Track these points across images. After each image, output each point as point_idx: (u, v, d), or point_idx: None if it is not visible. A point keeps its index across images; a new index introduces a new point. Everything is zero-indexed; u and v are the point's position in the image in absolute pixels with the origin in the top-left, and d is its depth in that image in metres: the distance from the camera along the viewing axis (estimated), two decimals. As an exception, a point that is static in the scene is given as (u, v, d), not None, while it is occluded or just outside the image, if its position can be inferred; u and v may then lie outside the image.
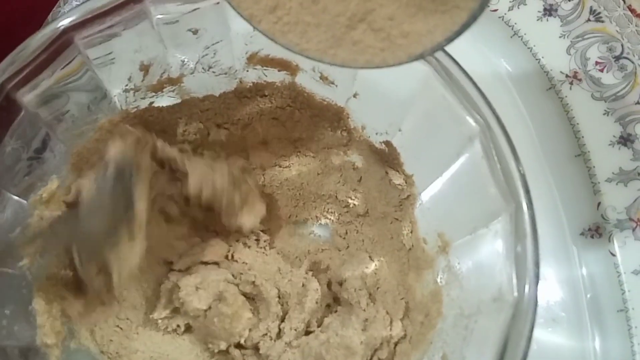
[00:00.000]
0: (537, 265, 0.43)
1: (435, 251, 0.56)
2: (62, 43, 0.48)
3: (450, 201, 0.54)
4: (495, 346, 0.43)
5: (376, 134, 0.59)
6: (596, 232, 0.65)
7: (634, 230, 0.63)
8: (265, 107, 0.61)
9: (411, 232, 0.59)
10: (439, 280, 0.55)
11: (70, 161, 0.55)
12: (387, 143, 0.58)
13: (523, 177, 0.44)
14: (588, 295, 0.64)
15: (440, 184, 0.54)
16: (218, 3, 0.51)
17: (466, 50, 0.67)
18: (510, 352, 0.42)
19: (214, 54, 0.56)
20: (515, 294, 0.43)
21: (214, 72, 0.58)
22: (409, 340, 0.56)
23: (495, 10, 0.69)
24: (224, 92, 0.59)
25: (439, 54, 0.48)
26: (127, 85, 0.55)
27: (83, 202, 0.51)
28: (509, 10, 0.69)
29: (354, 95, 0.57)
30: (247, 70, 0.58)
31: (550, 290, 0.64)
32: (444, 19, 0.35)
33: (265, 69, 0.58)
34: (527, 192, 0.44)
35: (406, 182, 0.59)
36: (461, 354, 0.49)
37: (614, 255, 0.64)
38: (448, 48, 0.48)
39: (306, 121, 0.62)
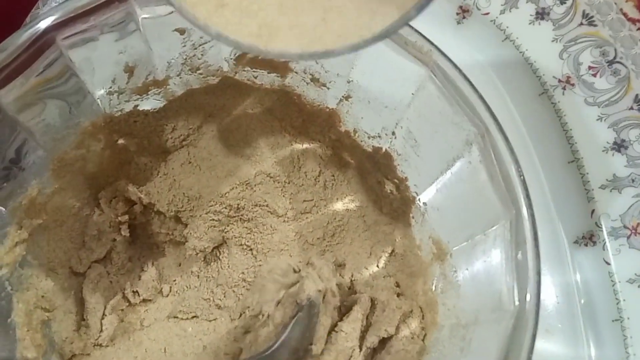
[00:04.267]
0: (538, 273, 0.42)
1: (430, 258, 0.54)
2: (43, 43, 0.46)
3: (447, 207, 0.53)
4: (494, 358, 0.42)
5: (368, 138, 0.57)
6: (590, 240, 0.64)
7: (628, 238, 0.62)
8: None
9: (405, 238, 0.57)
10: (433, 288, 0.53)
11: (51, 167, 0.53)
12: (378, 149, 0.57)
13: (523, 182, 0.43)
14: (582, 301, 0.63)
15: (436, 189, 0.53)
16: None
17: (457, 54, 0.66)
18: (512, 361, 0.40)
19: (202, 55, 0.54)
20: (517, 303, 0.42)
21: (201, 74, 0.56)
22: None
23: (487, 13, 0.68)
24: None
25: (437, 56, 0.46)
26: (110, 87, 0.53)
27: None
28: (500, 13, 0.68)
29: (346, 98, 0.56)
30: (236, 73, 0.57)
31: (545, 299, 0.63)
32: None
33: (254, 71, 0.57)
34: (528, 197, 0.43)
35: (398, 189, 0.57)
36: (460, 364, 0.47)
37: (608, 263, 0.62)
38: (445, 50, 0.47)
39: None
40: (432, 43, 0.46)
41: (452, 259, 0.52)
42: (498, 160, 0.45)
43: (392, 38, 0.47)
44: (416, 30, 0.46)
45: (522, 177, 0.44)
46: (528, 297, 0.42)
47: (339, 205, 0.62)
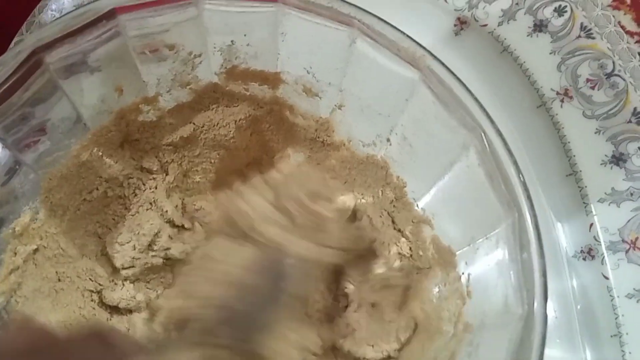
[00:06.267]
0: (544, 274, 0.41)
1: (432, 263, 0.54)
2: (31, 65, 0.46)
3: (447, 212, 0.52)
4: None
5: (363, 146, 0.57)
6: (589, 254, 0.63)
7: (627, 252, 0.61)
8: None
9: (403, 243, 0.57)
10: (437, 293, 0.52)
11: (42, 192, 0.51)
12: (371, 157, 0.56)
13: (524, 183, 0.43)
14: (580, 316, 0.61)
15: (434, 194, 0.52)
16: (196, 18, 0.49)
17: (455, 65, 0.66)
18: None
19: (192, 69, 0.54)
20: (525, 306, 0.41)
21: (191, 88, 0.55)
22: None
23: (485, 25, 0.68)
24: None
25: (430, 60, 0.46)
26: (100, 107, 0.52)
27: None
28: (498, 25, 0.67)
29: (339, 107, 0.55)
30: (228, 87, 0.56)
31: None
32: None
33: (245, 85, 0.56)
34: (529, 198, 0.42)
35: (394, 195, 0.56)
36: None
37: (607, 278, 0.61)
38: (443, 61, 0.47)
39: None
40: (424, 48, 0.46)
41: (455, 264, 0.51)
42: (497, 162, 0.44)
43: (384, 44, 0.47)
44: (408, 36, 0.46)
45: (522, 178, 0.43)
46: (536, 300, 0.41)
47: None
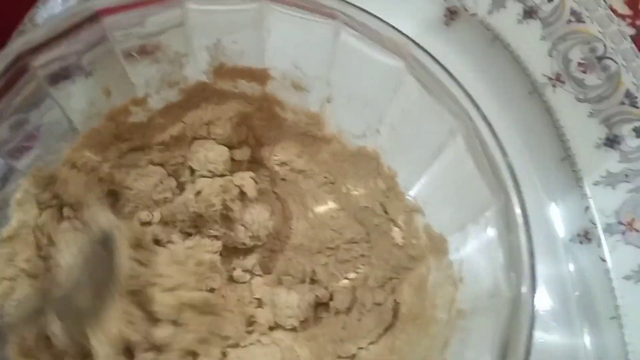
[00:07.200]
0: (532, 255, 0.41)
1: (424, 250, 0.54)
2: (17, 70, 0.46)
3: (438, 198, 0.52)
4: (495, 345, 0.41)
5: (353, 137, 0.57)
6: (585, 237, 0.63)
7: (623, 234, 0.61)
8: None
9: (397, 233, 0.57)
10: (430, 280, 0.53)
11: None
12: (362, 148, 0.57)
13: (510, 167, 0.43)
14: (578, 299, 0.62)
15: (424, 182, 0.52)
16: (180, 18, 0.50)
17: (446, 55, 0.66)
18: (512, 350, 0.40)
19: (180, 69, 0.54)
20: (514, 288, 0.41)
21: (180, 88, 0.56)
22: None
23: (475, 14, 0.68)
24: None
25: (413, 48, 0.46)
26: (90, 110, 0.53)
27: (63, 269, 0.49)
28: (488, 13, 0.67)
29: (328, 100, 0.55)
30: (216, 85, 0.57)
31: (541, 299, 0.62)
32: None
33: (234, 83, 0.57)
34: (516, 182, 0.43)
35: (386, 185, 0.57)
36: (461, 356, 0.47)
37: (604, 260, 0.61)
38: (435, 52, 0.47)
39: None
40: (407, 36, 0.46)
41: (447, 251, 0.51)
42: (483, 147, 0.44)
43: (367, 34, 0.47)
44: (391, 25, 0.46)
45: (508, 163, 0.43)
46: (524, 281, 0.41)
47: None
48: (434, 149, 0.49)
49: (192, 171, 0.58)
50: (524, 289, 0.40)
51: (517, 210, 0.42)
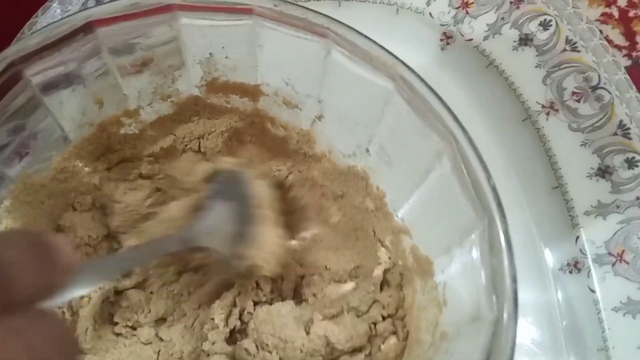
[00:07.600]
0: (514, 280, 0.41)
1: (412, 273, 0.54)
2: (9, 78, 0.46)
3: (424, 220, 0.52)
4: None
5: (343, 157, 0.57)
6: (575, 267, 0.62)
7: (613, 265, 0.61)
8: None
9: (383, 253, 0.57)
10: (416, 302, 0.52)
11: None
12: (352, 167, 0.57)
13: (494, 189, 0.42)
14: (566, 329, 0.61)
15: (412, 203, 0.52)
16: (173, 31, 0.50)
17: (441, 79, 0.66)
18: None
19: (172, 82, 0.55)
20: (496, 312, 0.41)
21: (172, 101, 0.56)
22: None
23: (470, 40, 0.68)
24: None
25: (401, 69, 0.46)
26: (81, 119, 0.53)
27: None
28: (483, 39, 0.68)
29: (319, 118, 0.56)
30: (209, 99, 0.57)
31: (528, 328, 0.61)
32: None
33: (226, 98, 0.57)
34: (499, 205, 0.42)
35: (374, 205, 0.56)
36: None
37: (593, 291, 0.61)
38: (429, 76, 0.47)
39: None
40: (395, 56, 0.46)
41: (432, 273, 0.51)
42: (468, 169, 0.44)
43: (357, 53, 0.47)
44: (379, 45, 0.46)
45: (492, 185, 0.43)
46: (505, 305, 0.40)
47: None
48: (422, 170, 0.49)
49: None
50: (506, 314, 0.40)
51: (501, 234, 0.42)
